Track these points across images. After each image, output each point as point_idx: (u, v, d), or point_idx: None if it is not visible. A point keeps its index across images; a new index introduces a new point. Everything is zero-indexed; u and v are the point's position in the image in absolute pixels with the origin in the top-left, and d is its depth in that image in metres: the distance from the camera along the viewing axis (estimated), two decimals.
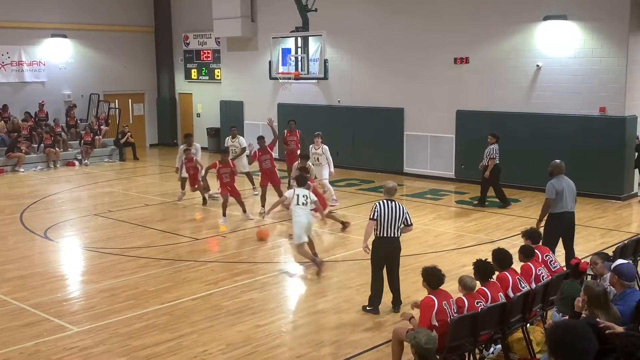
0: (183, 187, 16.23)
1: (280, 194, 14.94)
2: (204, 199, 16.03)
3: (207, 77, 26.14)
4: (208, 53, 25.95)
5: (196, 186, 15.84)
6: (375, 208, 8.77)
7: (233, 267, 11.20)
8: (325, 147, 15.83)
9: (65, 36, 24.45)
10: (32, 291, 10.06)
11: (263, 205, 14.69)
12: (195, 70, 26.58)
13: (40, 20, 23.70)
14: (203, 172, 15.57)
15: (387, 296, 9.13)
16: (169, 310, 9.23)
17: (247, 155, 16.61)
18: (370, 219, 8.80)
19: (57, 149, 22.59)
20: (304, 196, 10.85)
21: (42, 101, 23.95)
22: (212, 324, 8.73)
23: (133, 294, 9.88)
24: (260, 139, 15.58)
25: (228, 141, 17.25)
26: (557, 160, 10.41)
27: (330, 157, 15.80)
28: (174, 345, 8.06)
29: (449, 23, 18.63)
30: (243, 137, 17.95)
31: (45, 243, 13.13)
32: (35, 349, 8.00)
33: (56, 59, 24.52)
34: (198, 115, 26.86)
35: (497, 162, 15.21)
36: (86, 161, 23.01)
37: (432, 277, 7.01)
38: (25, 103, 23.69)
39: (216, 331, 8.48)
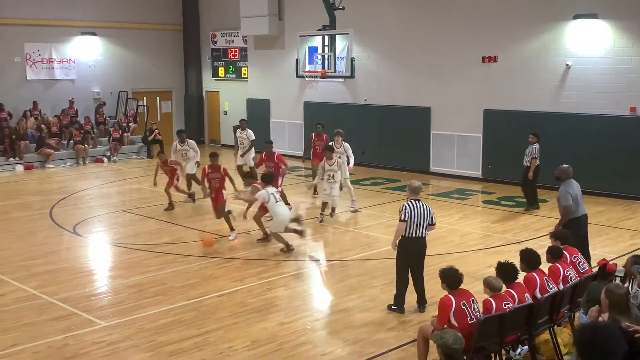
0: (195, 184, 15.92)
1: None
2: (171, 203, 15.29)
3: (234, 75, 26.27)
4: (235, 51, 26.07)
5: (173, 186, 15.36)
6: (405, 209, 8.73)
7: (259, 265, 11.25)
8: (347, 145, 15.62)
9: (94, 34, 24.73)
10: (60, 286, 10.20)
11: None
12: (223, 68, 26.71)
13: (71, 18, 24.00)
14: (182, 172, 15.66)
15: (412, 295, 9.10)
16: (195, 306, 9.30)
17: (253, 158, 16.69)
18: (401, 220, 8.74)
19: (86, 145, 22.88)
20: (275, 193, 11.94)
21: (72, 98, 24.25)
22: (237, 320, 8.78)
23: (160, 290, 9.97)
24: (268, 143, 15.35)
25: (237, 133, 17.46)
26: (565, 165, 10.36)
27: (352, 155, 15.56)
28: (200, 341, 8.12)
29: (478, 22, 18.49)
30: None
31: (74, 238, 13.30)
32: (64, 342, 8.11)
33: (86, 57, 24.81)
34: (225, 113, 26.99)
35: (538, 162, 14.98)
36: (115, 158, 23.27)
37: (450, 278, 6.99)
38: (55, 100, 24.02)
39: (241, 328, 8.53)
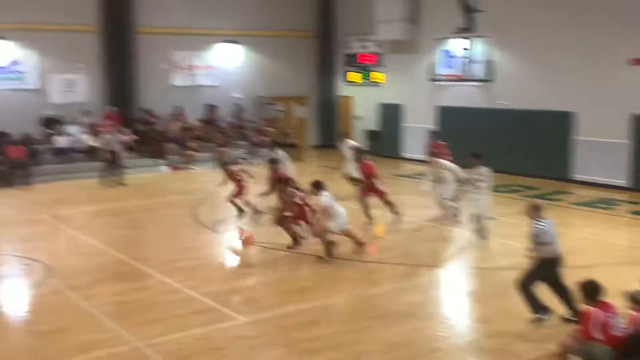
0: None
1: (388, 203, 14.31)
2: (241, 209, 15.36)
3: (367, 80, 26.38)
4: (369, 56, 26.17)
5: (242, 196, 15.32)
6: (541, 230, 8.43)
7: (394, 269, 11.23)
8: (442, 161, 14.48)
9: (236, 42, 25.71)
10: (201, 280, 10.63)
11: (369, 218, 14.31)
12: (356, 73, 26.88)
13: (214, 27, 25.10)
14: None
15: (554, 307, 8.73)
16: (330, 306, 9.42)
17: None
18: (542, 243, 8.41)
19: (227, 148, 23.79)
20: (329, 194, 11.75)
21: (215, 105, 25.31)
22: (371, 323, 8.79)
23: (297, 289, 10.18)
24: (357, 151, 15.27)
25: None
26: None
27: (455, 167, 13.95)
28: (334, 341, 8.21)
29: (626, 20, 17.48)
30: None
31: (214, 236, 13.87)
32: (206, 335, 8.45)
33: (226, 64, 25.84)
34: (357, 118, 27.13)
35: None
36: (253, 161, 23.99)
37: (591, 290, 6.78)
38: (198, 105, 25.11)
39: (375, 331, 8.54)
